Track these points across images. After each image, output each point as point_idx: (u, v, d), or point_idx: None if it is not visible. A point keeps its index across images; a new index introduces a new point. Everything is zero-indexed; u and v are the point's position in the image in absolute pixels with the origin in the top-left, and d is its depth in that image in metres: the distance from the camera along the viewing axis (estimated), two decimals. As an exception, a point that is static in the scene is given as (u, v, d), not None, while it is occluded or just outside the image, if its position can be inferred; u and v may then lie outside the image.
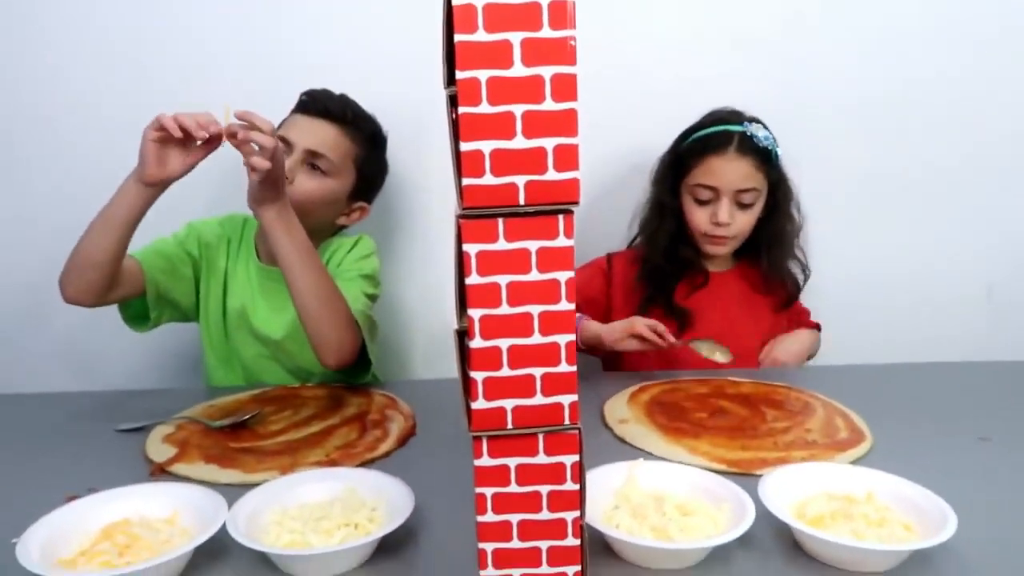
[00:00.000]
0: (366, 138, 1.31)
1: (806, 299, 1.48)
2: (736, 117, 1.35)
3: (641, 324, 1.22)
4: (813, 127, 1.53)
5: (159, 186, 1.05)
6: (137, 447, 0.98)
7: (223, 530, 0.69)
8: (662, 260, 1.38)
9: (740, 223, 1.33)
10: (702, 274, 1.39)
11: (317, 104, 1.27)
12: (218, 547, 0.70)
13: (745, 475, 0.87)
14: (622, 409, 1.08)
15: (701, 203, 1.33)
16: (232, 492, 0.77)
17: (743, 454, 0.92)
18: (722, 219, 1.30)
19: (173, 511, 0.75)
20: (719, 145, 1.31)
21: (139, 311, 1.23)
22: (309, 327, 1.10)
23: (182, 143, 1.02)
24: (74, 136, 1.48)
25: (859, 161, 1.58)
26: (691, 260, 1.39)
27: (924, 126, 1.56)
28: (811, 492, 0.77)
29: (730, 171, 1.30)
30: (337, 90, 1.31)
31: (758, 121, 1.35)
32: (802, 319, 1.45)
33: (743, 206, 1.32)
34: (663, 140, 1.42)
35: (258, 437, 1.00)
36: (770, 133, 1.33)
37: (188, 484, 0.81)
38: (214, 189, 1.41)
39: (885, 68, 1.54)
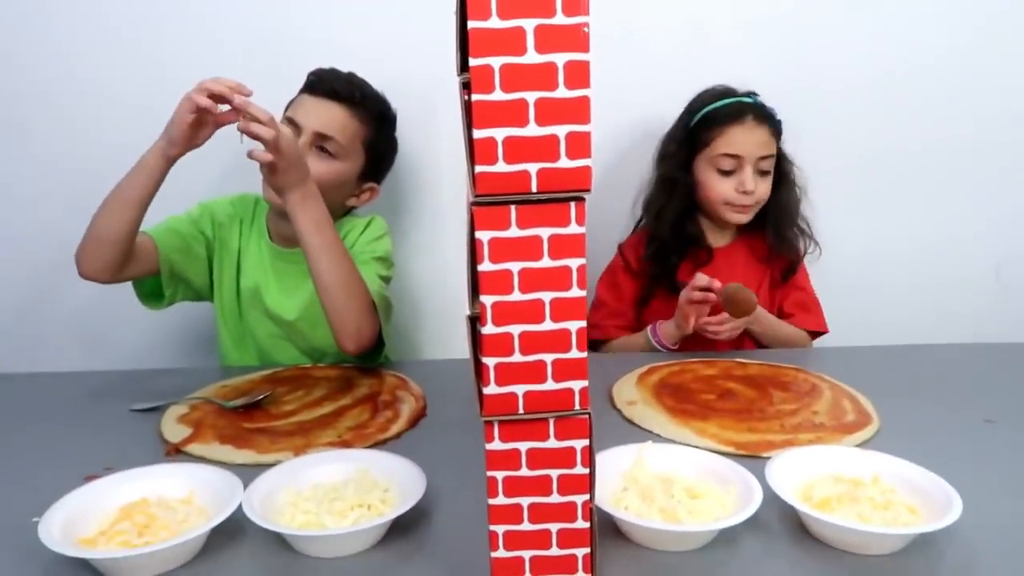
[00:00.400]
0: (374, 118, 1.31)
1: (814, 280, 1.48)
2: (734, 92, 1.38)
3: (684, 300, 1.25)
4: (820, 105, 1.53)
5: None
6: (152, 427, 0.99)
7: (239, 510, 0.70)
8: (669, 236, 1.39)
9: (761, 190, 1.36)
10: (705, 250, 1.41)
11: (324, 84, 1.26)
12: (234, 527, 0.72)
13: (752, 457, 0.87)
14: (630, 391, 1.09)
15: (725, 174, 1.35)
16: (246, 472, 0.78)
17: (750, 436, 0.93)
18: (749, 187, 1.33)
19: (190, 491, 0.76)
20: (737, 115, 1.34)
21: (153, 289, 1.24)
22: (330, 312, 1.10)
23: (209, 113, 1.03)
24: (84, 115, 1.48)
25: (866, 139, 1.57)
26: (696, 236, 1.40)
27: (932, 104, 1.56)
28: (817, 475, 0.78)
29: (751, 139, 1.33)
30: (346, 69, 1.30)
31: (755, 94, 1.39)
32: (803, 312, 1.43)
33: (763, 173, 1.36)
34: (665, 120, 1.44)
35: (271, 418, 1.01)
36: None
37: (204, 465, 0.82)
38: (223, 166, 1.42)
39: (893, 47, 1.53)
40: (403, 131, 1.41)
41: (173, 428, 0.98)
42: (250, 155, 1.01)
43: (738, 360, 1.20)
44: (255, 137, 0.99)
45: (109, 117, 1.47)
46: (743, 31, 1.50)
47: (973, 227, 1.62)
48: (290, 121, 1.23)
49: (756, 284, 1.40)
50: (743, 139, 1.33)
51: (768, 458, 0.81)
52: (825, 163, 1.51)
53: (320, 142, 1.23)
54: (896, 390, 1.09)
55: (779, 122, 1.37)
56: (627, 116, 1.51)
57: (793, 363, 1.19)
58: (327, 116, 1.24)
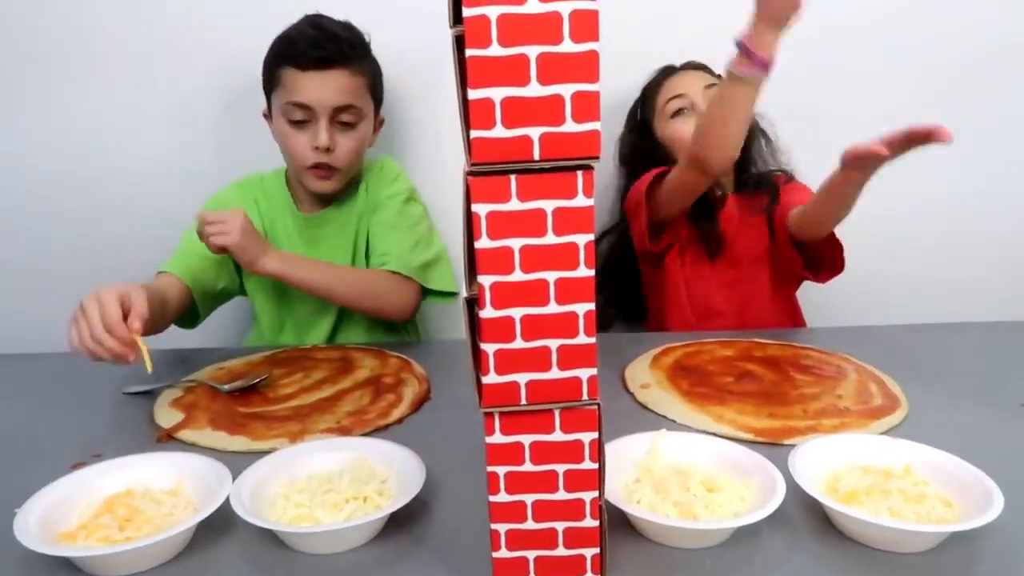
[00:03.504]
0: (364, 58, 1.23)
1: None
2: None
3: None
4: (828, 75, 1.46)
5: None
6: (145, 411, 0.96)
7: (229, 503, 0.66)
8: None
9: None
10: (720, 197, 1.35)
11: (311, 53, 1.16)
12: (223, 519, 0.67)
13: (773, 444, 0.82)
14: (644, 373, 1.04)
15: (677, 114, 1.32)
16: (240, 460, 0.74)
17: (771, 422, 0.88)
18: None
19: (177, 482, 0.72)
20: (668, 70, 1.37)
21: (184, 314, 1.20)
22: (368, 314, 1.23)
23: None
24: (87, 89, 1.44)
25: (886, 107, 1.49)
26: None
27: (954, 67, 1.49)
28: (844, 465, 0.73)
29: (691, 80, 1.33)
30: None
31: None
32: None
33: None
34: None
35: (268, 401, 0.97)
36: None
37: (193, 454, 0.78)
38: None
39: (915, 14, 1.45)
40: (405, 102, 1.36)
41: (166, 413, 0.94)
42: (210, 245, 1.08)
43: (757, 340, 1.15)
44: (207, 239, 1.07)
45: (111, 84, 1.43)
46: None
47: (1006, 195, 1.55)
48: (297, 106, 1.17)
49: (758, 238, 1.33)
50: (684, 81, 1.33)
51: (790, 445, 0.76)
52: (844, 133, 1.44)
53: (339, 116, 1.19)
54: (925, 372, 1.03)
55: (706, 66, 1.36)
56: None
57: (815, 344, 1.13)
58: (336, 87, 1.18)
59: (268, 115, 1.26)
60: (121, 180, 1.47)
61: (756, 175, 1.37)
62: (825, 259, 1.23)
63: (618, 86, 1.43)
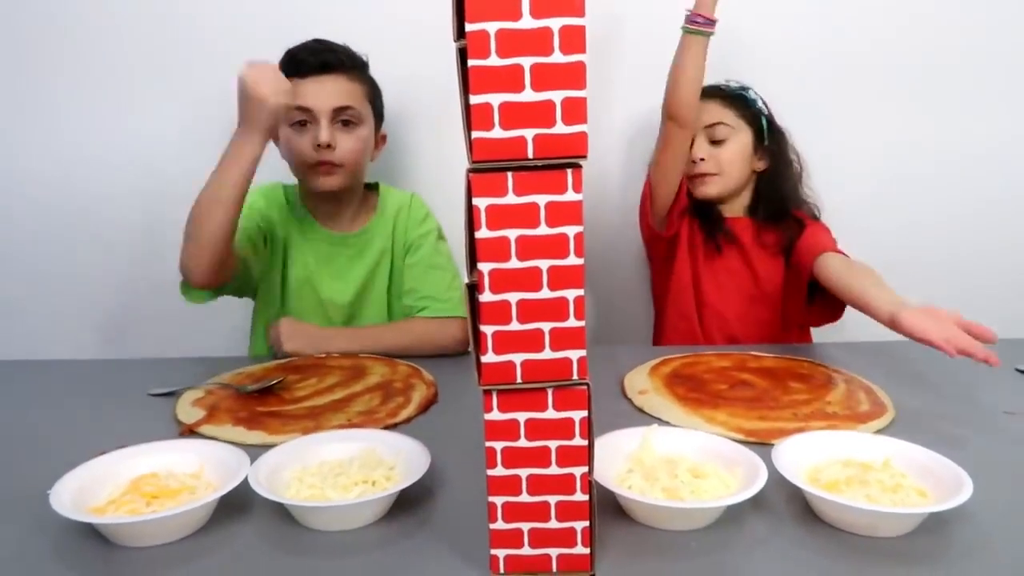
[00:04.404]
0: (362, 70, 1.32)
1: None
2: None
3: None
4: (837, 84, 1.53)
5: None
6: (168, 410, 1.01)
7: (247, 486, 0.71)
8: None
9: (718, 158, 1.38)
10: (717, 219, 1.42)
11: (312, 62, 1.25)
12: (241, 500, 0.73)
13: (762, 444, 0.86)
14: (642, 381, 1.08)
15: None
16: (257, 452, 0.79)
17: (760, 424, 0.92)
18: (696, 155, 1.37)
19: (199, 466, 0.77)
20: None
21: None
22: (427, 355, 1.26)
23: None
24: (101, 92, 1.53)
25: (892, 125, 1.56)
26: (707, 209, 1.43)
27: (956, 79, 1.55)
28: (826, 459, 0.77)
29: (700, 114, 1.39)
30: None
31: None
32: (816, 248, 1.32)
33: (715, 142, 1.38)
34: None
35: (284, 402, 1.02)
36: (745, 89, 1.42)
37: (214, 442, 0.83)
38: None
39: (911, 22, 1.52)
40: (414, 123, 1.43)
41: (188, 410, 0.99)
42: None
43: (753, 353, 1.19)
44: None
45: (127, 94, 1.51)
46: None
47: (1001, 215, 1.60)
48: (298, 110, 1.24)
49: (775, 267, 1.39)
50: None
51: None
52: (850, 148, 1.51)
53: (339, 116, 1.26)
54: (913, 383, 1.07)
55: (740, 97, 1.40)
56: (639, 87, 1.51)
57: (811, 357, 1.17)
58: (336, 89, 1.26)
59: (275, 137, 1.31)
60: (139, 191, 1.55)
61: (778, 208, 1.40)
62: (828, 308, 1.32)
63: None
